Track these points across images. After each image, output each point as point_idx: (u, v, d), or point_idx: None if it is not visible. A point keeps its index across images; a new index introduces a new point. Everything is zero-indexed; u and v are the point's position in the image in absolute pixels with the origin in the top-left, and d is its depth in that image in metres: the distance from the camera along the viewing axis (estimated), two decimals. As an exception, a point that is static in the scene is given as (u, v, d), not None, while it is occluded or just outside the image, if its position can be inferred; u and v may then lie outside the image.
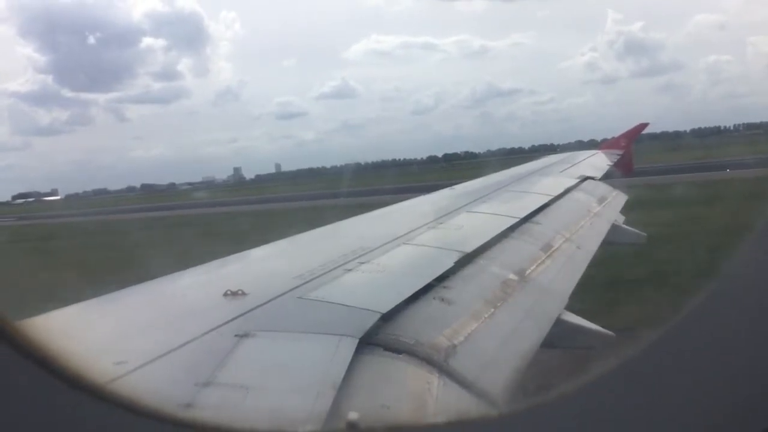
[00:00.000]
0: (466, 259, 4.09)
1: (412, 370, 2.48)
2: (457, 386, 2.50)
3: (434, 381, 2.44)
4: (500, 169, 11.41)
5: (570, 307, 4.06)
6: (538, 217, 6.07)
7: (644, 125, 17.64)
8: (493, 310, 3.42)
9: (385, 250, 4.17)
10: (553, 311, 3.85)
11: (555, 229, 5.80)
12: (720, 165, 41.27)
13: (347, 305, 2.98)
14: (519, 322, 3.50)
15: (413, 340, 2.69)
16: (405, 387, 2.38)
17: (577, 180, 9.21)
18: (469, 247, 4.31)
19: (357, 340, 2.49)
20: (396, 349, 2.60)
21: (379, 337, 2.67)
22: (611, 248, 7.22)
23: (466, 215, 5.85)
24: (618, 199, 9.01)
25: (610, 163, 13.04)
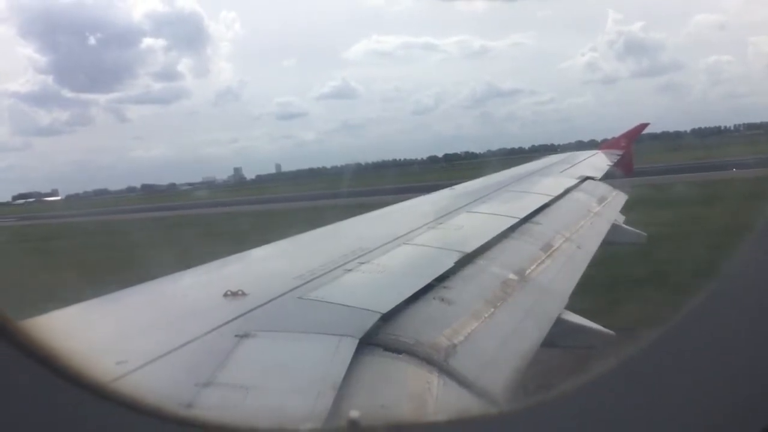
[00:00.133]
0: (467, 260, 4.09)
1: (413, 370, 2.49)
2: (457, 386, 2.50)
3: (434, 380, 2.44)
4: (500, 169, 11.42)
5: (570, 307, 4.06)
6: (539, 218, 6.08)
7: (644, 125, 17.65)
8: (493, 309, 3.43)
9: (386, 250, 4.17)
10: (554, 311, 3.85)
11: (555, 229, 5.80)
12: (720, 165, 41.25)
13: (347, 305, 2.98)
14: (519, 321, 3.51)
15: (413, 340, 2.69)
16: (405, 387, 2.38)
17: (578, 180, 9.21)
18: (469, 248, 4.31)
19: (357, 340, 2.49)
20: (396, 349, 2.60)
21: (379, 337, 2.67)
22: (611, 248, 7.22)
23: (466, 215, 5.85)
24: (618, 199, 9.02)
25: (611, 164, 13.04)
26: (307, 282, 3.33)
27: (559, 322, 3.75)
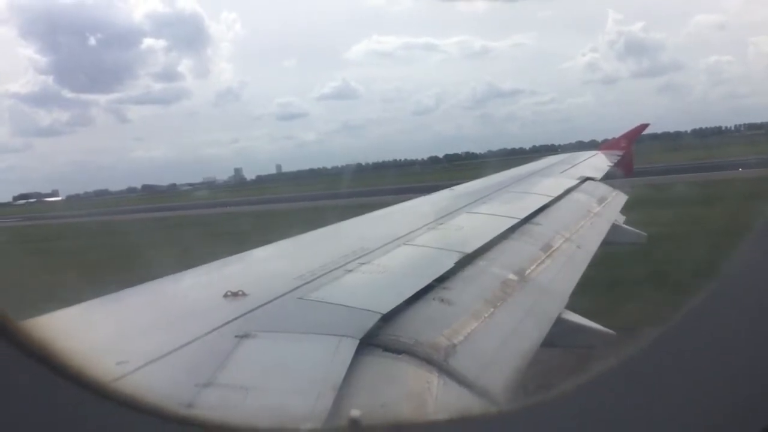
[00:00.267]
0: (467, 260, 4.09)
1: (413, 370, 2.49)
2: (457, 385, 2.50)
3: (434, 380, 2.44)
4: (501, 169, 11.43)
5: (569, 307, 4.06)
6: (539, 218, 6.08)
7: (644, 126, 17.66)
8: (493, 309, 3.43)
9: (386, 250, 4.17)
10: (554, 310, 3.85)
11: (555, 229, 5.80)
12: (720, 165, 41.24)
13: (348, 306, 2.98)
14: (519, 321, 3.51)
15: (413, 340, 2.69)
16: (405, 387, 2.38)
17: (578, 181, 9.22)
18: (470, 248, 4.31)
19: (357, 341, 2.49)
20: (396, 349, 2.60)
21: (379, 337, 2.67)
22: (612, 248, 7.23)
23: (466, 216, 5.85)
24: (618, 199, 9.03)
25: (611, 164, 13.05)
26: (308, 282, 3.33)
27: (559, 322, 3.75)
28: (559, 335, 3.68)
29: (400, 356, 2.55)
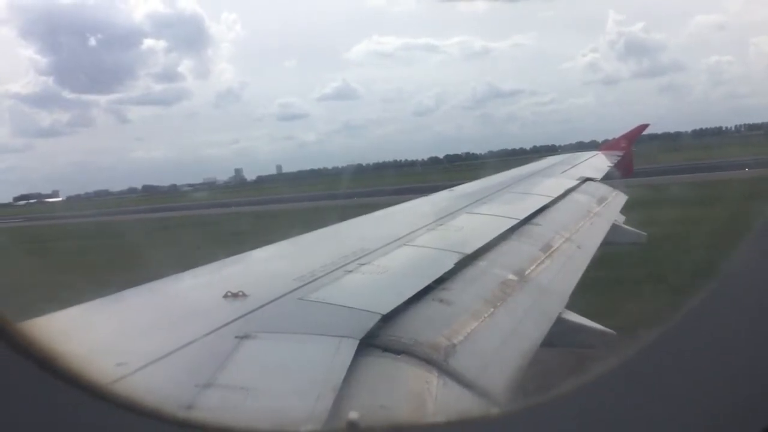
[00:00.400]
0: (467, 260, 4.09)
1: (413, 371, 2.49)
2: (457, 385, 2.50)
3: (434, 381, 2.44)
4: (501, 170, 11.45)
5: (569, 306, 4.06)
6: (539, 218, 6.08)
7: (644, 126, 17.68)
8: (493, 310, 3.43)
9: (386, 251, 4.17)
10: (554, 310, 3.85)
11: (555, 229, 5.80)
12: (721, 166, 41.26)
13: (348, 306, 2.98)
14: (519, 321, 3.51)
15: (413, 341, 2.69)
16: (405, 387, 2.38)
17: (578, 181, 9.24)
18: (470, 249, 4.32)
19: (357, 342, 2.49)
20: (396, 349, 2.60)
21: (379, 338, 2.67)
22: (612, 248, 7.23)
23: (466, 216, 5.86)
24: (618, 199, 9.04)
25: (611, 164, 13.07)
26: (308, 283, 3.33)
27: (559, 322, 3.75)
28: (559, 335, 3.68)
29: (399, 357, 2.55)
